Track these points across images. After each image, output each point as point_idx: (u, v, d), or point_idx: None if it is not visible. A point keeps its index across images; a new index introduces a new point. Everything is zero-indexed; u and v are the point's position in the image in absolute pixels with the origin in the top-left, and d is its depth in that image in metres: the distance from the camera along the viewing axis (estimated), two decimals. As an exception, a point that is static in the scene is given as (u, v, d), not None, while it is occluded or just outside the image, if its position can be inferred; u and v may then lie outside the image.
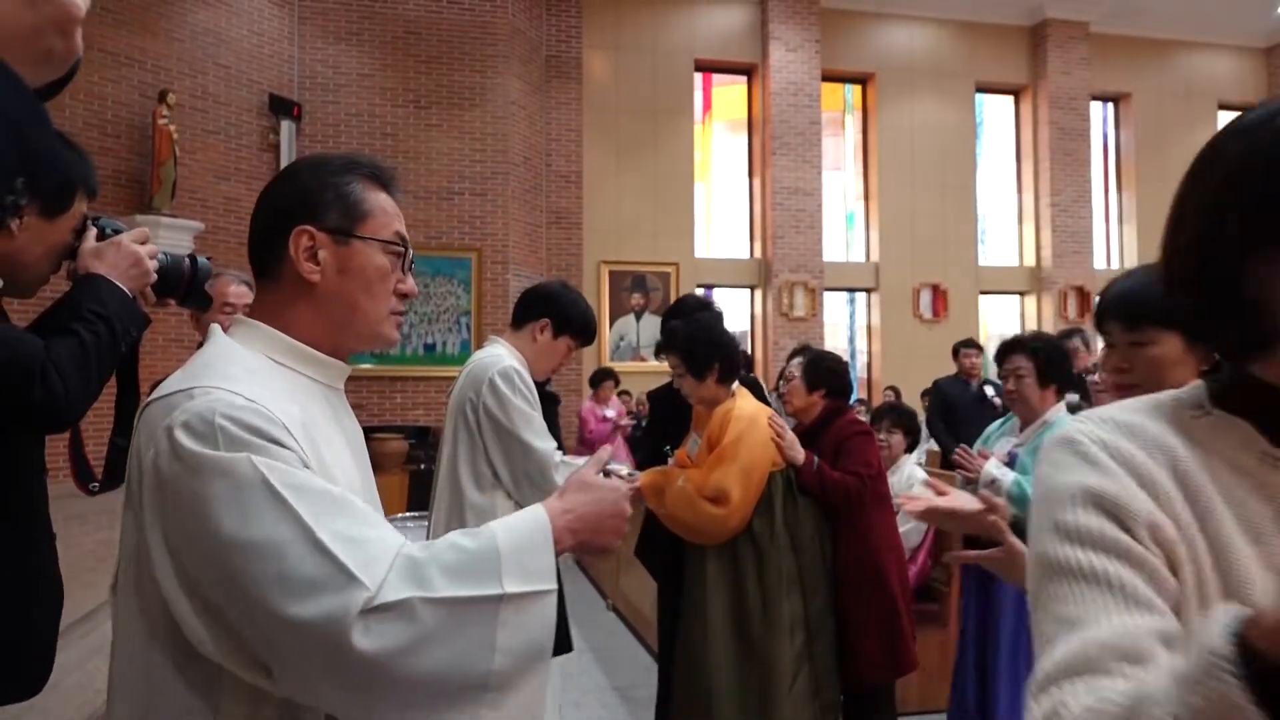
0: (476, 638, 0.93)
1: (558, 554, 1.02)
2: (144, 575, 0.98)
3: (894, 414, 4.39)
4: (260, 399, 1.00)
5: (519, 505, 2.59)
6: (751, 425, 2.79)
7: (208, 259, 1.73)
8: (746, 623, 2.75)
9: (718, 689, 2.71)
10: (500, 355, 2.64)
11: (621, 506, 1.12)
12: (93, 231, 1.53)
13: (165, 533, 0.96)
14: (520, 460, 2.54)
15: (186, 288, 1.66)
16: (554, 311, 2.71)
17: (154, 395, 1.03)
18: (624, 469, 2.85)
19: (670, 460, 3.00)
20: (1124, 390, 1.55)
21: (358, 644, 0.88)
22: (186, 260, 1.65)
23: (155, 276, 1.57)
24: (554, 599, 0.99)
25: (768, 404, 3.15)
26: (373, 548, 0.93)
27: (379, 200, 1.19)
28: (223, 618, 0.94)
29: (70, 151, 1.49)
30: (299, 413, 1.05)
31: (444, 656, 0.92)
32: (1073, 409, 4.72)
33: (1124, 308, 1.54)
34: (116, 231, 1.55)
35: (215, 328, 1.15)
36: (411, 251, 1.23)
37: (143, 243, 1.56)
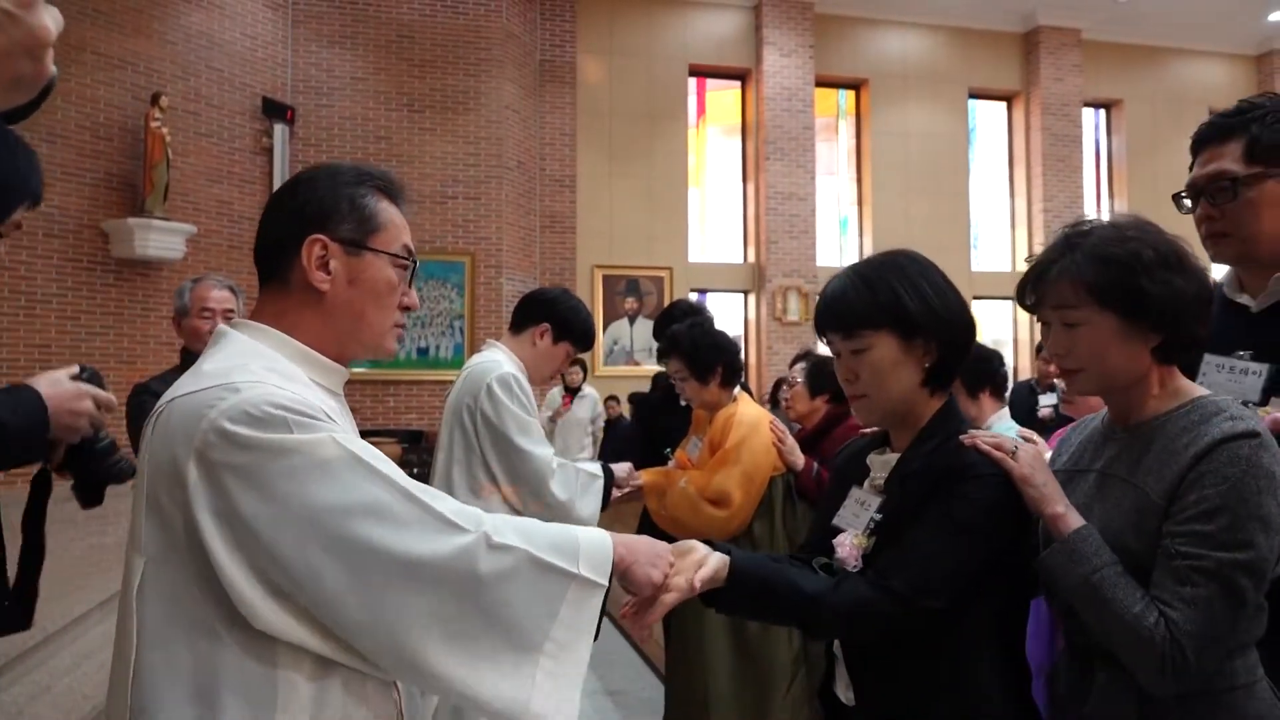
0: (548, 599, 1.06)
1: (615, 564, 1.14)
2: (191, 574, 0.98)
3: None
4: (298, 391, 1.04)
5: (516, 511, 2.59)
6: (754, 430, 2.80)
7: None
8: (744, 625, 2.74)
9: (715, 691, 2.70)
10: (499, 361, 2.63)
11: (667, 552, 1.27)
12: (74, 369, 1.45)
13: (228, 522, 0.96)
14: (517, 466, 2.53)
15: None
16: (554, 317, 2.70)
17: (175, 394, 1.03)
18: (625, 468, 2.84)
19: (671, 462, 2.99)
20: (855, 400, 1.51)
21: (482, 569, 1.01)
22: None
23: (78, 438, 1.43)
24: (602, 595, 1.11)
25: None
26: (455, 503, 1.06)
27: (390, 213, 1.21)
28: (292, 592, 0.97)
29: (24, 156, 1.44)
30: (330, 402, 1.11)
31: (524, 599, 1.04)
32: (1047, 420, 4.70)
33: (836, 316, 1.48)
34: (93, 379, 1.45)
35: (224, 328, 1.16)
36: (417, 265, 1.25)
37: (103, 409, 1.45)
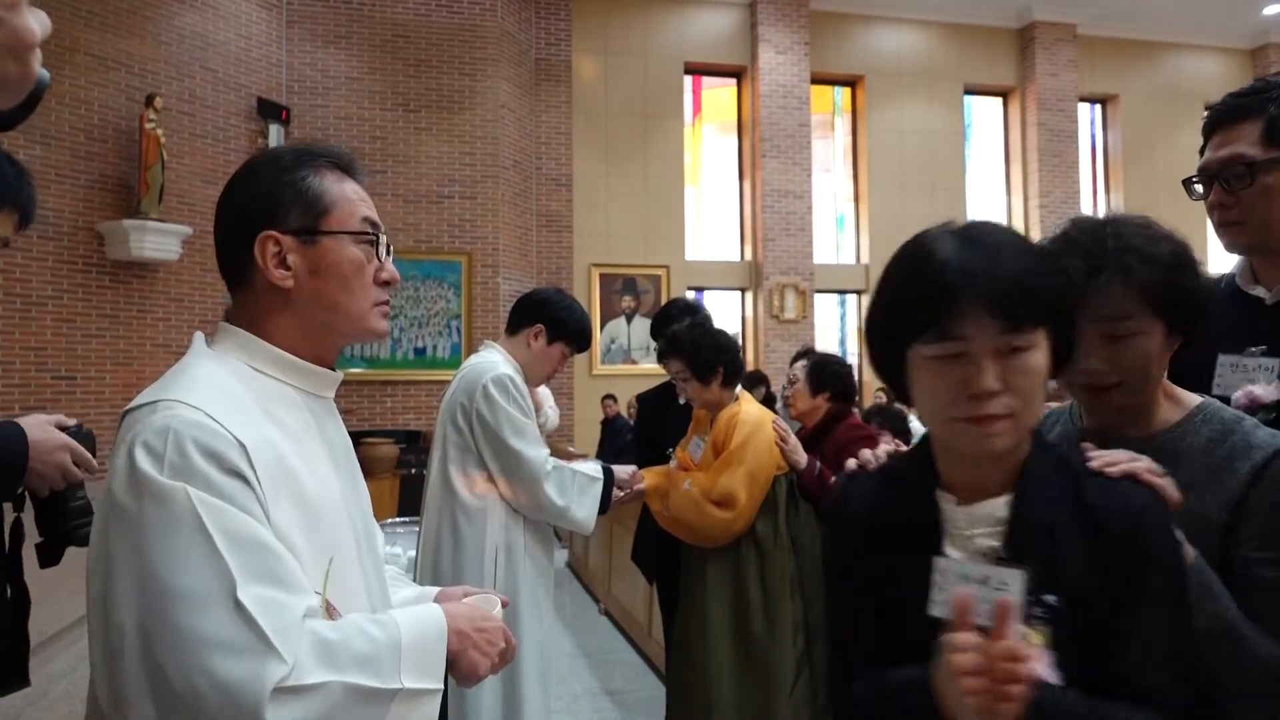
0: None
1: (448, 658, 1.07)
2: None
3: (882, 415, 4.39)
4: (224, 416, 0.97)
5: (513, 509, 2.58)
6: (757, 429, 2.79)
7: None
8: (748, 625, 2.73)
9: (717, 693, 2.68)
10: (495, 362, 2.62)
11: (501, 639, 1.17)
12: (70, 422, 1.45)
13: (108, 554, 0.93)
14: (513, 468, 2.53)
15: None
16: (548, 317, 2.69)
17: (129, 406, 1.00)
18: (628, 469, 2.84)
19: (672, 461, 2.98)
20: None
21: (269, 718, 0.88)
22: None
23: (46, 491, 1.41)
24: (438, 698, 1.02)
25: None
26: (288, 614, 0.93)
27: (341, 189, 1.13)
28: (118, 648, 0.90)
29: (10, 169, 1.43)
30: (270, 429, 1.02)
31: None
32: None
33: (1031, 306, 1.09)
34: (81, 438, 1.44)
35: (198, 335, 1.12)
36: (385, 236, 1.17)
37: (82, 470, 1.43)
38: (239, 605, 0.89)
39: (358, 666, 0.95)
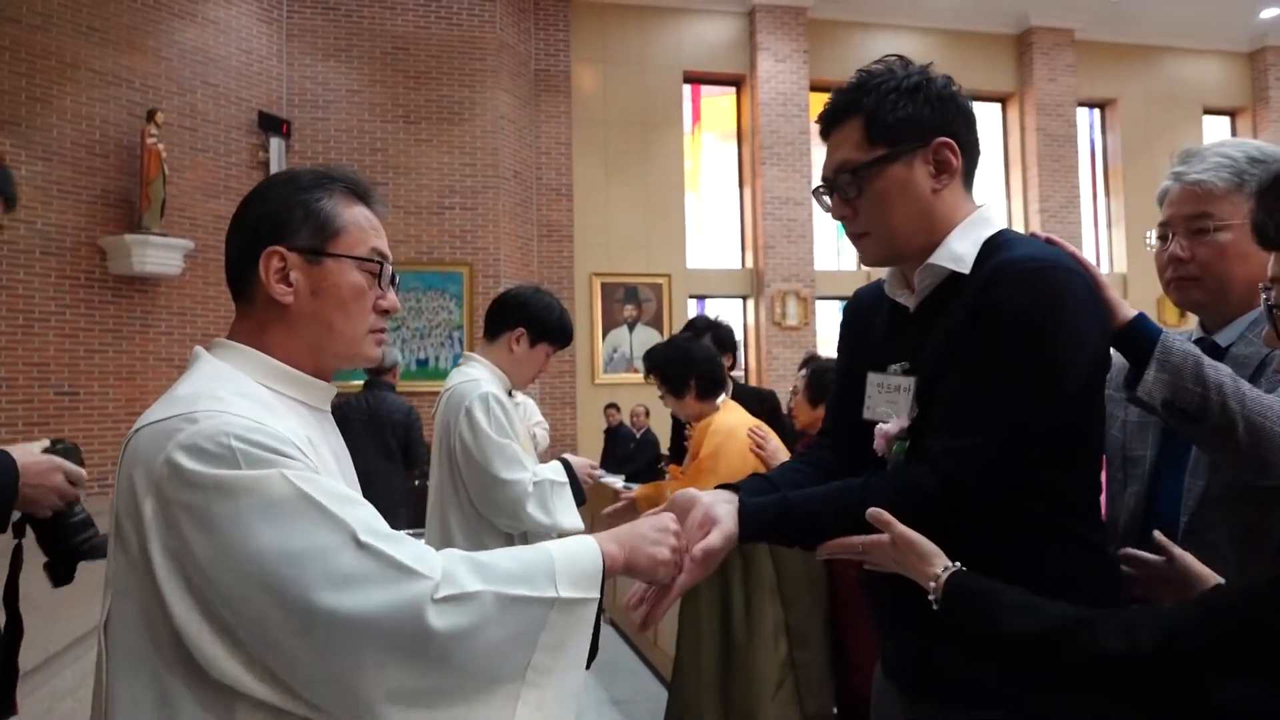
0: (526, 630, 0.99)
1: (608, 568, 1.08)
2: (150, 609, 0.95)
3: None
4: (262, 420, 0.98)
5: (501, 532, 2.50)
6: (729, 437, 2.82)
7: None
8: (731, 630, 2.77)
9: (704, 695, 2.75)
10: (477, 380, 2.52)
11: (663, 523, 1.18)
12: (45, 442, 1.43)
13: (179, 561, 0.92)
14: (491, 493, 2.44)
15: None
16: (528, 318, 2.60)
17: (144, 422, 1.00)
18: (619, 481, 2.84)
19: (666, 475, 3.03)
20: None
21: (434, 624, 0.92)
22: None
23: (48, 512, 1.41)
24: (595, 606, 1.04)
25: None
26: (414, 547, 0.97)
27: (353, 215, 1.15)
28: (243, 638, 0.92)
29: None
30: (301, 431, 1.04)
31: (492, 642, 0.96)
32: None
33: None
34: (68, 454, 1.43)
35: (200, 349, 1.12)
36: (391, 267, 1.19)
37: (75, 488, 1.42)
38: (363, 545, 0.93)
39: (509, 580, 0.98)
